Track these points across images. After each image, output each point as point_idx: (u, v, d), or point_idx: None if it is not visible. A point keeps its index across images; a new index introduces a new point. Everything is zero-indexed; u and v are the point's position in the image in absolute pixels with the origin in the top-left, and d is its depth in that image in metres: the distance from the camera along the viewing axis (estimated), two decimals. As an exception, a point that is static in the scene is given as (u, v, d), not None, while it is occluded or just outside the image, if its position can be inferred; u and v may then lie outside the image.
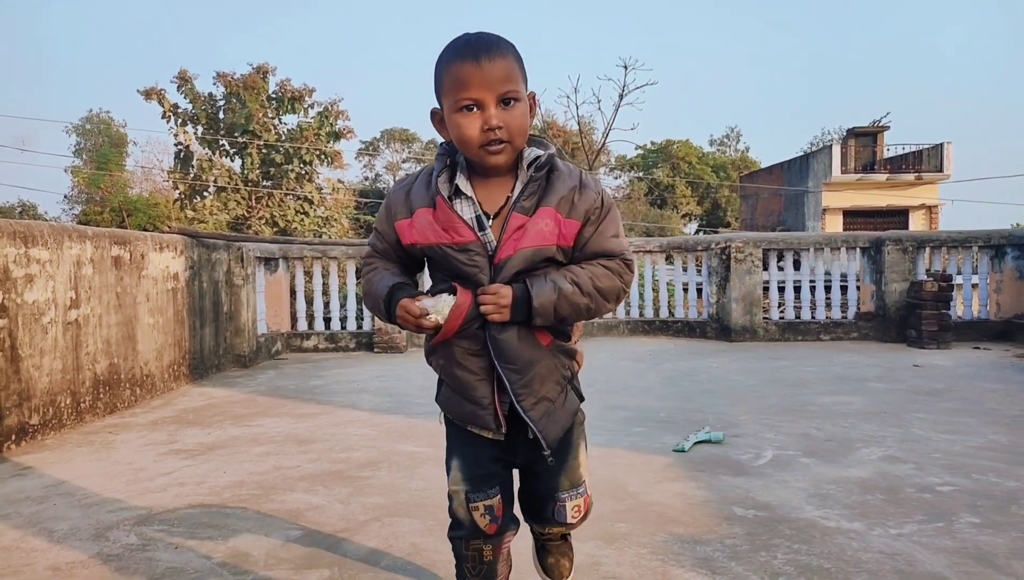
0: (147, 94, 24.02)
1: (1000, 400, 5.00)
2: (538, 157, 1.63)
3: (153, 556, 2.49)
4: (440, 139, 1.72)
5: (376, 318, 8.28)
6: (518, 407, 1.64)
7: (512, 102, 1.56)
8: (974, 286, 8.87)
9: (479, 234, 1.61)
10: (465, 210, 1.62)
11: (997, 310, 8.62)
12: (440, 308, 1.60)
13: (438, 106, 1.65)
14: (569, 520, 1.85)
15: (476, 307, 1.60)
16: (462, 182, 1.63)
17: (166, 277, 5.83)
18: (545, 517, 1.88)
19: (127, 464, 3.66)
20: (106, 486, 3.29)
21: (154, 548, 2.56)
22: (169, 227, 6.80)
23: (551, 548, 2.02)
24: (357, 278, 8.80)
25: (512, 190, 1.64)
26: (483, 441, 1.73)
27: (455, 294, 1.61)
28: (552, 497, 1.83)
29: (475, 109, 1.55)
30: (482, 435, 1.72)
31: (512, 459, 1.78)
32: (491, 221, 1.63)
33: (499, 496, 1.76)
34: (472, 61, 1.53)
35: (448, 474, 1.81)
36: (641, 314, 9.49)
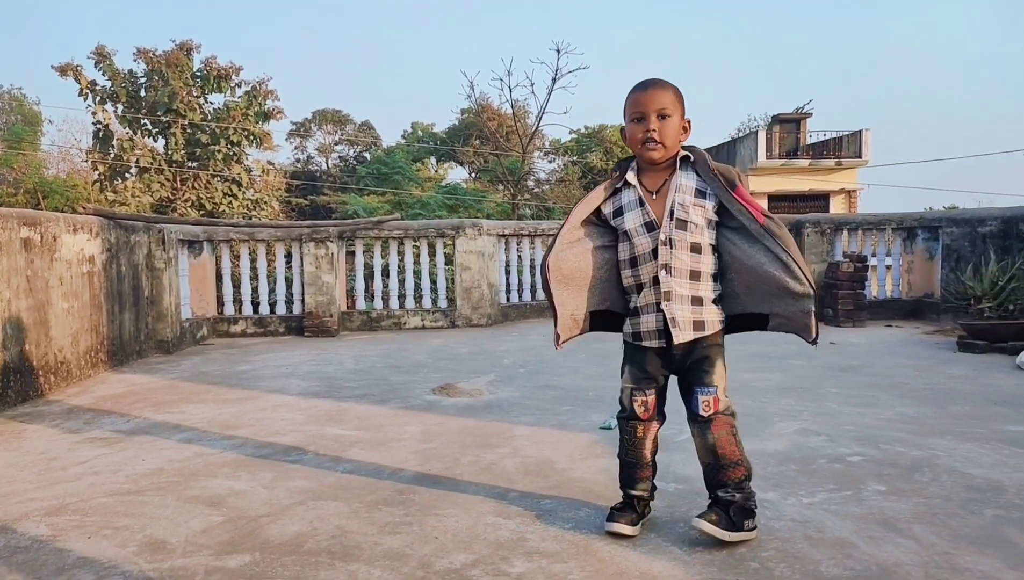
0: (62, 70, 22.78)
1: (909, 375, 5.26)
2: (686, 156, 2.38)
3: (64, 547, 2.40)
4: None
5: (307, 301, 8.16)
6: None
7: (666, 117, 2.30)
8: (888, 267, 9.27)
9: None
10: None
11: (909, 289, 9.04)
12: None
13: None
14: (701, 411, 2.36)
15: None
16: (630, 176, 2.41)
17: (81, 260, 5.60)
18: (689, 410, 2.42)
19: (39, 454, 3.52)
20: (15, 477, 3.16)
21: (65, 538, 2.47)
22: (84, 208, 6.50)
23: (711, 510, 2.36)
24: (287, 261, 8.62)
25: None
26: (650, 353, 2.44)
27: None
28: (692, 390, 2.39)
29: (640, 121, 2.31)
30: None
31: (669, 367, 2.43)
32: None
33: (654, 395, 2.45)
34: (642, 90, 2.34)
35: (622, 376, 2.54)
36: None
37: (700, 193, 2.34)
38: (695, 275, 2.35)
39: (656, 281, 2.34)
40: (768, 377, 5.14)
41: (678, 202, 2.32)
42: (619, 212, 2.43)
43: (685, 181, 2.35)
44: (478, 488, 2.93)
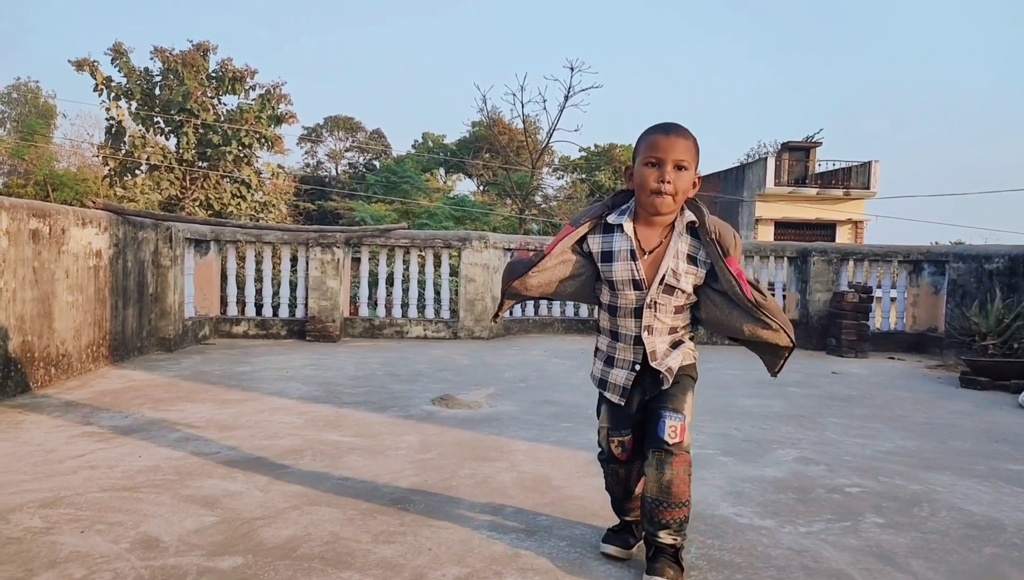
0: (79, 65, 22.96)
1: (909, 408, 5.24)
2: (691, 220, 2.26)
3: (57, 540, 2.40)
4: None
5: (311, 305, 8.16)
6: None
7: (682, 169, 2.18)
8: (892, 299, 9.26)
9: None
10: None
11: (913, 323, 9.02)
12: None
13: (631, 164, 2.29)
14: (666, 437, 2.22)
15: None
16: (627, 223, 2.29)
17: (88, 254, 5.61)
18: (652, 435, 2.26)
19: (36, 445, 3.51)
20: (11, 467, 3.15)
21: (58, 532, 2.46)
22: (93, 202, 6.52)
23: (661, 559, 2.23)
24: (292, 265, 8.63)
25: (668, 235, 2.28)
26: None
27: None
28: (658, 415, 2.26)
29: (656, 167, 2.16)
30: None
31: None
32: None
33: (631, 435, 2.36)
34: (663, 134, 2.19)
35: (598, 415, 2.47)
36: (576, 313, 9.59)
37: (692, 260, 2.26)
38: (674, 330, 2.31)
39: (638, 340, 2.28)
40: (769, 403, 5.12)
41: (671, 269, 2.23)
42: (607, 257, 2.29)
43: (681, 247, 2.25)
44: (474, 501, 2.91)
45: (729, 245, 2.22)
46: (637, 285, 2.25)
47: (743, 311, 2.25)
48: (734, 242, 2.23)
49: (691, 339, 2.37)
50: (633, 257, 2.24)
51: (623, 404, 2.33)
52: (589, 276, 2.36)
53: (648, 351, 2.27)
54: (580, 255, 2.35)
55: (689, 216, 2.25)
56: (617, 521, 2.53)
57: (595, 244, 2.33)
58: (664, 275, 2.23)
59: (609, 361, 2.37)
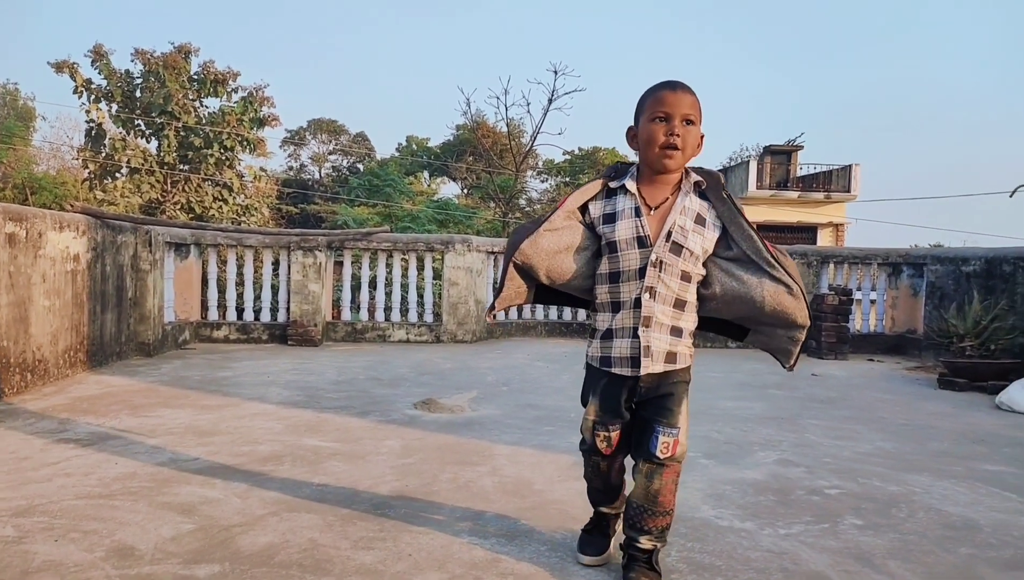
0: (58, 67, 22.74)
1: (889, 410, 5.28)
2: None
3: (30, 549, 2.36)
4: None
5: (293, 309, 8.11)
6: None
7: (691, 123, 2.14)
8: (872, 301, 9.34)
9: None
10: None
11: (892, 324, 9.11)
12: None
13: (633, 125, 2.23)
14: (658, 452, 2.17)
15: None
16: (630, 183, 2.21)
17: (65, 258, 5.54)
18: (643, 447, 2.22)
19: (10, 453, 3.46)
20: (-16, 475, 3.10)
21: (31, 540, 2.42)
22: (72, 206, 6.45)
23: (636, 567, 2.21)
24: (274, 268, 8.58)
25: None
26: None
27: None
28: (651, 428, 2.19)
29: (664, 121, 2.12)
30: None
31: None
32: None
33: (618, 431, 2.27)
34: (670, 90, 2.15)
35: (584, 403, 2.35)
36: (560, 316, 9.60)
37: (701, 220, 2.17)
38: (679, 304, 2.18)
39: (637, 303, 2.15)
40: (750, 406, 5.15)
41: (678, 224, 2.13)
42: (610, 218, 2.19)
43: (689, 204, 2.17)
44: (455, 506, 2.90)
45: (741, 208, 2.20)
46: (642, 242, 2.14)
47: (763, 275, 2.15)
48: (743, 208, 2.21)
49: (691, 338, 2.25)
50: (637, 214, 2.15)
51: (636, 378, 2.17)
52: (595, 251, 2.25)
53: (644, 316, 2.13)
54: (584, 226, 2.25)
55: (695, 177, 2.20)
56: (590, 520, 2.49)
57: (596, 209, 2.24)
58: (671, 230, 2.13)
59: (608, 334, 2.22)
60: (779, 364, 2.31)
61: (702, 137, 2.19)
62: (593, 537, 2.43)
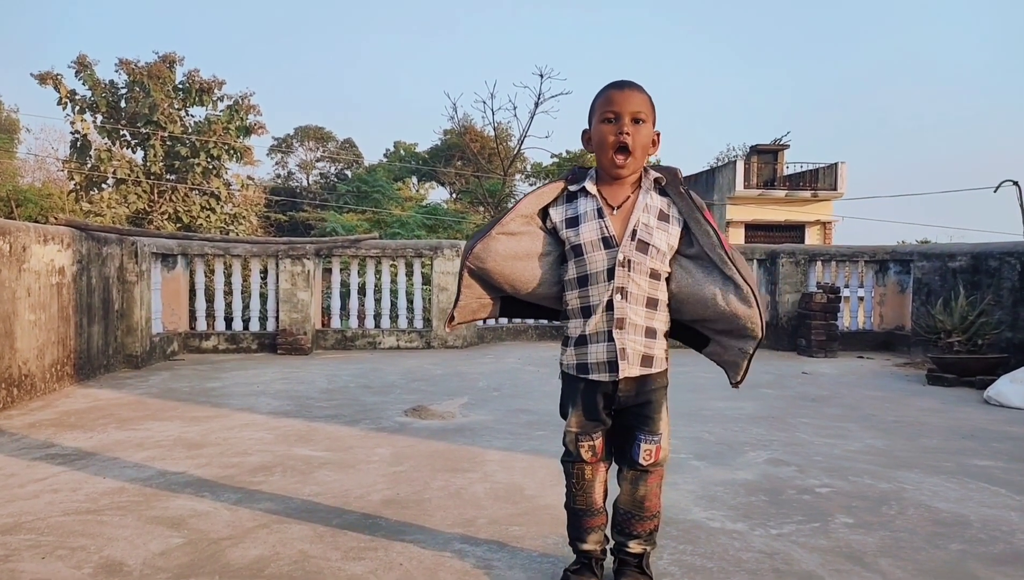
0: (42, 78, 22.62)
1: (879, 407, 5.30)
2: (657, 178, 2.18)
3: (16, 567, 2.33)
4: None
5: (282, 318, 8.07)
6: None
7: (640, 122, 2.10)
8: (860, 299, 9.38)
9: None
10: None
11: (880, 321, 9.15)
12: None
13: (588, 127, 2.20)
14: (641, 460, 2.18)
15: None
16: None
17: (51, 271, 5.50)
18: (626, 455, 2.23)
19: (-4, 470, 3.43)
20: (-30, 493, 3.07)
21: (18, 558, 2.40)
22: (57, 219, 6.41)
23: (627, 572, 2.22)
24: (262, 277, 8.54)
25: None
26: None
27: None
28: (634, 436, 2.19)
29: (614, 121, 2.09)
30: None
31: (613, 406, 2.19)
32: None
33: (601, 438, 2.24)
34: (617, 89, 2.13)
35: (563, 415, 2.31)
36: (550, 320, 9.57)
37: (664, 216, 2.14)
38: (652, 303, 2.13)
39: (609, 306, 2.09)
40: (741, 406, 5.16)
41: (642, 221, 2.10)
42: (573, 222, 2.15)
43: (651, 201, 2.14)
44: (446, 513, 2.89)
45: (702, 204, 2.17)
46: (607, 242, 2.10)
47: (714, 271, 2.13)
48: (705, 207, 2.17)
49: (666, 340, 2.22)
50: (600, 215, 2.11)
51: (615, 382, 2.12)
52: (557, 257, 2.21)
53: (617, 318, 2.08)
54: (546, 232, 2.20)
55: (655, 174, 2.18)
56: (572, 562, 2.31)
57: (558, 214, 2.19)
58: (635, 228, 2.09)
59: (582, 340, 2.15)
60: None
61: (657, 135, 2.17)
62: (582, 575, 2.25)
